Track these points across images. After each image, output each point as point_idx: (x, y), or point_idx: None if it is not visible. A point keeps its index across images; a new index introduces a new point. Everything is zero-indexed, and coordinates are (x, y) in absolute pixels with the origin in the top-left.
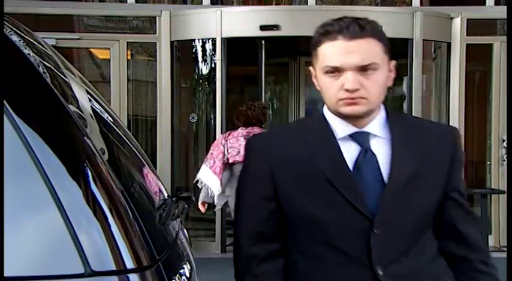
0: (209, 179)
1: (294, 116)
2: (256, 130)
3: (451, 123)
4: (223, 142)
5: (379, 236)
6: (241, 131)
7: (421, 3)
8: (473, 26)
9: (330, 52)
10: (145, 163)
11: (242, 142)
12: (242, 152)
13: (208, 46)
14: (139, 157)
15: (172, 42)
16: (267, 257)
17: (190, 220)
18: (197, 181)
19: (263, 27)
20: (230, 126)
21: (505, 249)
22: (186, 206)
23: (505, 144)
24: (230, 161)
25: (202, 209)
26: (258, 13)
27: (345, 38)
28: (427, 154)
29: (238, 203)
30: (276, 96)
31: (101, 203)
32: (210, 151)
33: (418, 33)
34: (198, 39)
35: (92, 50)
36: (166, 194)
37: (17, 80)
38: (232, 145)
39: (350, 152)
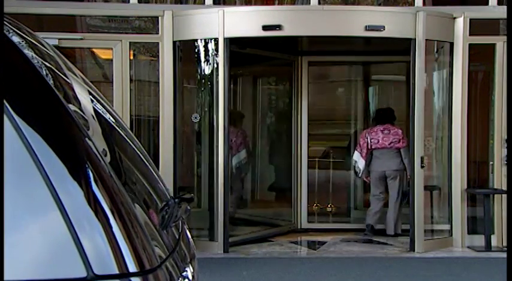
0: (358, 160)
1: (295, 116)
2: (390, 126)
3: (453, 124)
4: (367, 135)
5: None
6: (379, 127)
7: (424, 3)
8: (475, 26)
9: None
10: (147, 164)
11: (380, 134)
12: (381, 141)
13: (211, 46)
14: (142, 157)
15: (174, 42)
16: None
17: (193, 220)
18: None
19: (266, 27)
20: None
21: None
22: (188, 207)
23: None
24: (373, 147)
25: (367, 180)
26: (260, 13)
27: None
28: None
29: None
30: (276, 96)
31: (103, 206)
32: (358, 142)
33: (421, 33)
34: (201, 39)
35: (94, 50)
36: (168, 196)
37: (18, 81)
38: (373, 137)
39: None
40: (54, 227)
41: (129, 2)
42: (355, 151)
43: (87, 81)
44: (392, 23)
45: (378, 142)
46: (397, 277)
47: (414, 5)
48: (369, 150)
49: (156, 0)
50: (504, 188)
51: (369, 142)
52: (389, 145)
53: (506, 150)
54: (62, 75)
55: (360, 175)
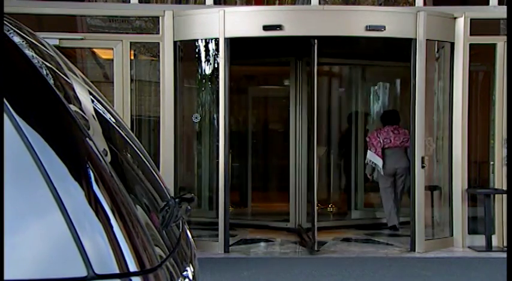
0: (375, 159)
1: (295, 116)
2: (398, 127)
3: (454, 124)
4: (378, 135)
5: None
6: (389, 128)
7: (424, 3)
8: (476, 26)
9: None
10: (148, 164)
11: (391, 134)
12: (393, 141)
13: (211, 46)
14: (142, 158)
15: (175, 42)
16: None
17: (194, 221)
18: (367, 160)
19: (266, 27)
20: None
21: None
22: (189, 207)
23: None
24: (385, 146)
25: (370, 177)
26: (261, 13)
27: None
28: None
29: None
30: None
31: (103, 205)
32: (370, 142)
33: (422, 33)
34: (201, 39)
35: (95, 50)
36: (169, 196)
37: (18, 81)
38: (385, 136)
39: None
40: (54, 227)
41: (129, 2)
42: (369, 151)
43: (87, 81)
44: (393, 23)
45: (390, 141)
46: (398, 277)
47: (415, 5)
48: (381, 149)
49: (156, 0)
50: (505, 188)
51: (381, 141)
52: (400, 144)
53: (506, 150)
54: (63, 75)
55: (381, 173)
